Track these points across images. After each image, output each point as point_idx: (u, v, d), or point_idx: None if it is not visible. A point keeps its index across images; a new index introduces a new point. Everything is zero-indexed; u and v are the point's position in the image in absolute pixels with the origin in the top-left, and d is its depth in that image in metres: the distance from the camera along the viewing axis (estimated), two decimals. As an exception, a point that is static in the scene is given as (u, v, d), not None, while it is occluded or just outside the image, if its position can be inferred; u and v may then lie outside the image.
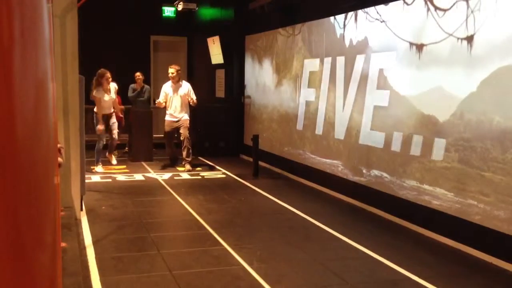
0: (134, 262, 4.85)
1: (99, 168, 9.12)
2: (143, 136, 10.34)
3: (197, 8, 11.79)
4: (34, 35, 0.54)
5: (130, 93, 10.53)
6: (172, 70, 9.35)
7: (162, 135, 9.98)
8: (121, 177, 8.78)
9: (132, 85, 10.61)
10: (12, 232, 0.53)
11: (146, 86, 10.78)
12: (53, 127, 0.56)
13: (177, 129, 9.43)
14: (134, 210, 6.76)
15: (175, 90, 9.35)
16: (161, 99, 9.38)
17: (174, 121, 9.41)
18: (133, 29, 12.47)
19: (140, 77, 10.56)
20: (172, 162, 9.77)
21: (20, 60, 0.54)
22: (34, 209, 0.53)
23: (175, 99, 9.35)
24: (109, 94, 9.18)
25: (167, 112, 9.48)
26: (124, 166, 9.68)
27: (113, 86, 9.35)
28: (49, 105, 0.55)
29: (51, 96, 0.55)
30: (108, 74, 9.08)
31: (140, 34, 12.73)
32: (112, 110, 9.32)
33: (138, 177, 8.87)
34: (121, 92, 10.24)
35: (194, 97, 9.36)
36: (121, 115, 10.07)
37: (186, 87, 9.43)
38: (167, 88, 9.42)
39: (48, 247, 0.53)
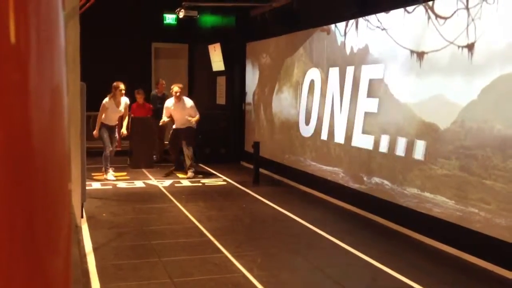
0: (134, 269, 4.84)
1: (110, 176, 9.06)
2: (143, 143, 10.35)
3: (198, 16, 11.82)
4: (50, 41, 0.55)
5: (157, 103, 10.98)
6: (177, 89, 9.38)
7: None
8: (121, 184, 8.78)
9: (154, 93, 11.29)
10: (27, 237, 0.53)
11: (166, 93, 11.20)
12: (67, 134, 0.56)
13: (181, 138, 9.52)
14: (134, 217, 6.75)
15: (178, 107, 9.41)
16: (164, 118, 9.48)
17: (179, 131, 9.53)
18: (135, 36, 12.51)
19: (165, 84, 11.24)
20: (178, 167, 9.87)
21: (35, 66, 0.55)
22: (49, 215, 0.54)
23: (179, 116, 9.43)
24: (118, 107, 9.05)
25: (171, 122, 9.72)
26: (125, 173, 9.68)
27: (124, 101, 9.17)
28: (64, 112, 0.56)
29: (66, 103, 0.56)
30: (122, 86, 9.00)
31: (141, 41, 12.77)
32: (116, 123, 9.21)
33: (139, 184, 8.87)
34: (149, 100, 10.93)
35: (198, 115, 9.43)
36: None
37: (189, 103, 9.50)
38: (169, 104, 9.50)
39: (62, 253, 0.53)
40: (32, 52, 0.53)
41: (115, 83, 9.05)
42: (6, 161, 0.52)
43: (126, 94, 9.28)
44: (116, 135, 9.30)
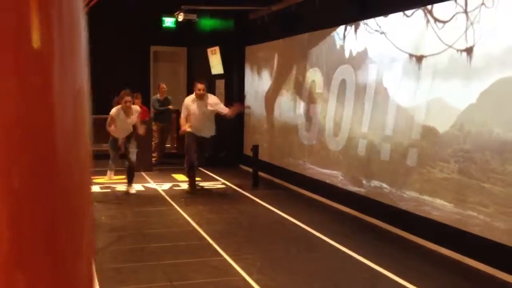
0: (134, 272, 4.84)
1: (109, 176, 8.64)
2: (141, 146, 10.33)
3: (197, 19, 11.85)
4: (72, 44, 0.56)
5: (157, 106, 11.26)
6: (202, 86, 8.29)
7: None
8: (120, 187, 8.77)
9: (155, 97, 11.49)
10: (50, 240, 0.54)
11: (169, 97, 11.49)
12: (89, 136, 0.57)
13: (200, 142, 8.40)
14: (133, 220, 6.74)
15: (201, 106, 8.31)
16: (186, 126, 8.25)
17: (200, 139, 8.39)
18: (133, 40, 12.52)
19: (165, 88, 11.40)
20: (192, 172, 8.54)
21: (59, 69, 0.55)
22: (71, 217, 0.55)
23: (199, 116, 8.29)
24: (129, 117, 8.09)
25: (188, 129, 8.34)
26: (124, 176, 9.66)
27: (135, 110, 8.29)
28: (87, 115, 0.56)
29: (88, 106, 0.57)
30: (127, 98, 8.01)
31: (140, 44, 12.78)
32: (126, 134, 8.27)
33: (138, 187, 8.86)
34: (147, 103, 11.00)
35: (225, 108, 8.41)
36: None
37: (214, 100, 8.47)
38: (189, 101, 8.38)
39: (85, 255, 0.54)
40: (56, 56, 0.54)
41: (122, 92, 8.17)
42: (31, 164, 0.53)
43: None
44: (133, 146, 8.40)
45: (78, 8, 0.56)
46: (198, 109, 8.25)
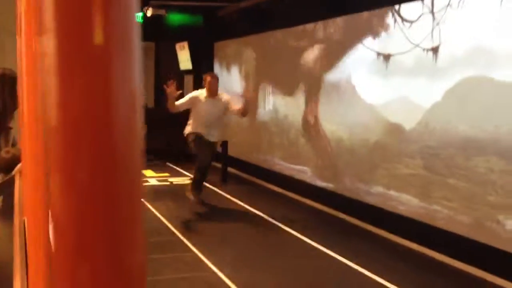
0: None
1: None
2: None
3: (166, 14, 11.76)
4: (128, 41, 0.58)
5: None
6: (211, 79, 6.89)
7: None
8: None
9: None
10: (110, 230, 0.57)
11: None
12: (141, 135, 0.60)
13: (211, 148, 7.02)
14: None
15: (213, 105, 6.82)
16: (179, 103, 6.71)
17: (210, 143, 6.96)
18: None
19: None
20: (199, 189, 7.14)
21: (117, 67, 0.58)
22: (128, 210, 0.58)
23: (211, 118, 6.81)
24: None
25: (191, 129, 6.93)
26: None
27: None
28: (140, 113, 0.59)
29: (141, 106, 0.59)
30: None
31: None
32: None
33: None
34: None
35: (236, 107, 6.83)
36: None
37: (226, 98, 6.94)
38: (197, 94, 6.95)
39: (139, 245, 0.57)
40: (115, 55, 0.56)
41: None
42: (93, 159, 0.56)
43: None
44: None
45: (133, 9, 0.59)
46: (209, 109, 6.77)
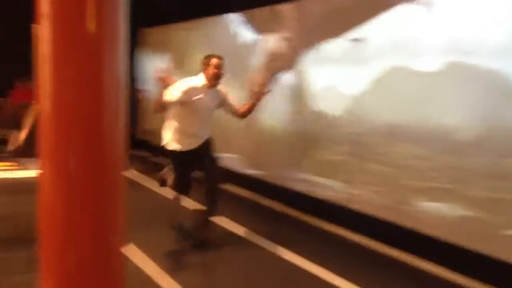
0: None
1: None
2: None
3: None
4: (116, 30, 0.57)
5: None
6: (216, 61, 5.08)
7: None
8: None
9: None
10: (96, 218, 0.57)
11: None
12: (125, 123, 0.58)
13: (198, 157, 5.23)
14: (22, 211, 6.37)
15: (210, 99, 5.11)
16: (171, 101, 4.86)
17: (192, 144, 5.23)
18: None
19: None
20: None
21: (108, 54, 0.57)
22: (112, 198, 0.57)
23: (206, 114, 5.19)
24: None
25: (175, 142, 5.18)
26: (11, 163, 9.02)
27: None
28: (124, 101, 0.58)
29: (125, 93, 0.58)
30: None
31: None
32: None
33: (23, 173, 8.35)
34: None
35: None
36: None
37: (223, 89, 5.25)
38: (198, 88, 5.03)
39: (119, 232, 0.57)
40: (106, 44, 0.55)
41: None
42: (83, 147, 0.55)
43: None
44: None
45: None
46: (207, 104, 5.11)
